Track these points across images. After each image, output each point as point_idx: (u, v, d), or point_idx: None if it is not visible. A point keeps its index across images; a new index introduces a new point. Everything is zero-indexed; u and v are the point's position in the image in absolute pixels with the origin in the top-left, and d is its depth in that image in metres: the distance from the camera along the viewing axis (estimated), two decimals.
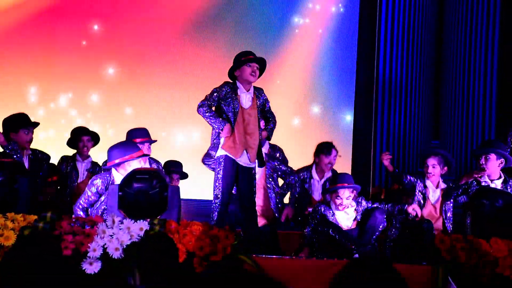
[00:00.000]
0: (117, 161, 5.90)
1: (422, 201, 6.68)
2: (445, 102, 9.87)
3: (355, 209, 6.44)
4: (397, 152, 9.88)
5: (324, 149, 7.14)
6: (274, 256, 5.75)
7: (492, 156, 6.42)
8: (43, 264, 4.51)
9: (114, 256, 4.58)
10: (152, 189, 4.91)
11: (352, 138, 9.77)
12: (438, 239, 5.15)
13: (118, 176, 5.91)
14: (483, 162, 6.47)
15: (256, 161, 6.28)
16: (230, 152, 6.15)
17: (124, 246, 4.60)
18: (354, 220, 6.45)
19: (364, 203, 6.44)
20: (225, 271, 4.63)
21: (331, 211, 6.40)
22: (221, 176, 6.14)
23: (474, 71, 9.29)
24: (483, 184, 6.42)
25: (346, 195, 6.33)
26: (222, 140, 6.18)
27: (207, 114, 6.12)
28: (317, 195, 7.27)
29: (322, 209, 6.40)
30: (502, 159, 6.44)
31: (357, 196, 6.48)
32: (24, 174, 6.23)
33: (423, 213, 6.64)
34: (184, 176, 7.68)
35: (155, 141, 6.72)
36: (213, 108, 6.22)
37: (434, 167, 6.68)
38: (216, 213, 6.11)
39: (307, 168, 7.54)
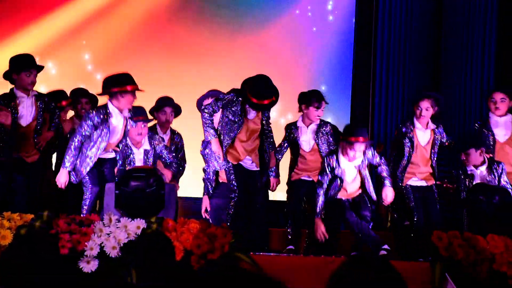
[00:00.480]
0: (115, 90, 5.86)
1: (410, 149, 6.69)
2: (443, 105, 9.90)
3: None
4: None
5: (315, 103, 6.75)
6: (272, 254, 5.76)
7: (471, 151, 6.60)
8: (40, 263, 4.50)
9: (111, 254, 4.57)
10: (149, 187, 4.90)
11: None
12: (435, 236, 5.15)
13: (112, 108, 5.88)
14: (464, 158, 6.64)
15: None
16: (233, 159, 6.21)
17: (121, 245, 4.60)
18: (357, 169, 6.42)
19: (370, 154, 6.43)
20: (223, 269, 4.63)
21: (337, 163, 6.38)
22: (235, 183, 6.22)
23: (471, 72, 9.29)
24: (469, 172, 6.62)
25: (361, 149, 6.33)
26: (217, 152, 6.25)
27: (207, 120, 6.16)
28: (305, 145, 6.91)
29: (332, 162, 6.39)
30: (482, 148, 6.63)
31: None
32: (23, 173, 6.24)
33: (414, 159, 6.66)
34: (178, 110, 7.14)
35: (150, 120, 6.67)
36: (214, 115, 6.25)
37: (428, 110, 6.71)
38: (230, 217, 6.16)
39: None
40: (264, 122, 6.39)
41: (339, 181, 6.34)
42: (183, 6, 9.73)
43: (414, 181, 6.72)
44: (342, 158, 6.36)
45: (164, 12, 9.67)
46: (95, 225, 4.66)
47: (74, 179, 5.82)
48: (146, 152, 6.45)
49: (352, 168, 6.41)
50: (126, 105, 5.91)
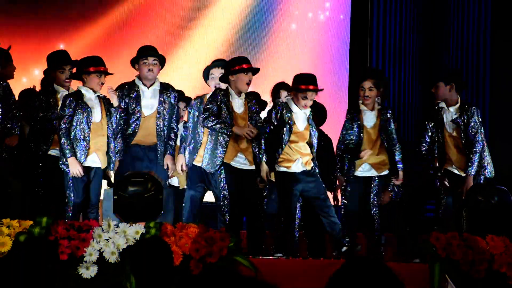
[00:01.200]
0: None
1: (358, 136, 6.55)
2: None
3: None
4: None
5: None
6: (271, 257, 5.76)
7: (441, 84, 6.46)
8: (40, 270, 4.50)
9: (110, 260, 4.58)
10: (147, 192, 4.91)
11: None
12: (433, 237, 5.16)
13: (84, 88, 6.07)
14: (434, 91, 6.49)
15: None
16: (224, 158, 6.15)
17: (121, 250, 4.61)
18: (307, 121, 6.39)
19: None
20: (221, 273, 4.64)
21: (289, 110, 6.34)
22: (223, 184, 6.15)
23: (467, 70, 9.30)
24: (439, 106, 6.45)
25: (313, 97, 6.31)
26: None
27: (215, 125, 6.12)
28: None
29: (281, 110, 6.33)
30: (452, 84, 6.45)
31: None
32: (18, 178, 6.23)
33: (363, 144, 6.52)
34: (162, 60, 6.79)
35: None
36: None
37: (371, 90, 6.55)
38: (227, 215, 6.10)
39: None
40: (253, 117, 6.31)
41: (288, 127, 6.28)
42: (197, 10, 9.80)
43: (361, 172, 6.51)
44: (293, 106, 6.33)
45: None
46: (94, 230, 4.67)
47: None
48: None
49: (303, 115, 6.38)
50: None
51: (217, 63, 6.77)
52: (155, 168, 6.34)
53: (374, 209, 6.40)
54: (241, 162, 6.19)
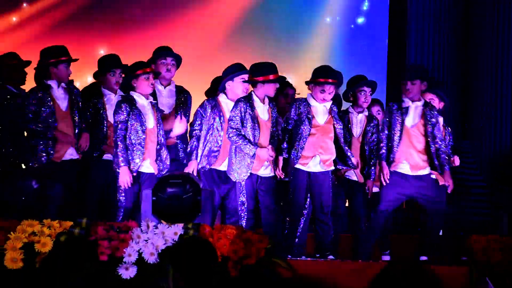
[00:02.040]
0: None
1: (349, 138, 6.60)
2: (475, 101, 9.75)
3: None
4: None
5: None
6: (309, 259, 5.75)
7: (417, 82, 6.53)
8: (80, 270, 4.55)
9: (149, 261, 4.60)
10: (186, 194, 4.93)
11: None
12: (472, 240, 5.12)
13: (136, 94, 6.13)
14: (409, 88, 6.51)
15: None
16: (253, 170, 6.21)
17: (159, 251, 4.63)
18: (328, 114, 6.37)
19: (335, 108, 6.43)
20: (259, 275, 4.65)
21: (309, 105, 6.34)
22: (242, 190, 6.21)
23: (506, 65, 9.16)
24: (403, 104, 6.49)
25: (331, 90, 6.31)
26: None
27: (240, 142, 6.15)
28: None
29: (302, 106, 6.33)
30: (425, 83, 6.69)
31: None
32: (57, 180, 6.30)
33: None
34: (179, 60, 6.91)
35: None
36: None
37: (370, 95, 6.69)
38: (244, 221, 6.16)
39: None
40: (273, 121, 6.35)
41: (307, 122, 6.29)
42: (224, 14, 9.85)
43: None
44: (312, 99, 6.34)
45: None
46: (133, 231, 4.70)
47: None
48: None
49: (323, 109, 6.37)
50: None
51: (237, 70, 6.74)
52: (175, 167, 6.43)
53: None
54: (265, 170, 6.23)
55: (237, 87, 6.39)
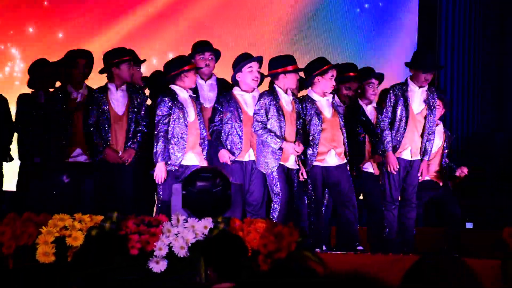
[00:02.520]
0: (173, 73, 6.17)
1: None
2: (509, 92, 9.66)
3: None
4: (455, 146, 9.68)
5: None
6: (339, 252, 5.73)
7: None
8: (111, 264, 4.57)
9: (179, 254, 4.61)
10: (215, 187, 4.93)
11: None
12: (506, 233, 5.05)
13: (177, 88, 6.19)
14: (428, 79, 6.61)
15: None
16: (282, 160, 6.22)
17: (189, 245, 4.63)
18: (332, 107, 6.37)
19: (336, 98, 6.48)
20: (290, 268, 4.63)
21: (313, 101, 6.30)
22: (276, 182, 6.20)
23: None
24: (409, 89, 6.53)
25: (333, 76, 6.36)
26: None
27: (266, 137, 6.16)
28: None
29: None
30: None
31: None
32: (90, 176, 6.35)
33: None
34: (218, 54, 6.96)
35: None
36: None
37: (377, 87, 6.67)
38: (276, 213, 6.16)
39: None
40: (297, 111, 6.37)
41: (316, 117, 6.28)
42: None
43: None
44: (314, 95, 6.35)
45: None
46: (163, 225, 4.71)
47: None
48: None
49: (327, 102, 6.35)
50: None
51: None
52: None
53: None
54: (293, 162, 6.24)
55: (246, 76, 6.41)
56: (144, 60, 6.91)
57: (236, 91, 6.45)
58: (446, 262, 1.86)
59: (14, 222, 4.72)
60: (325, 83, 6.37)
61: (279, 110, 6.16)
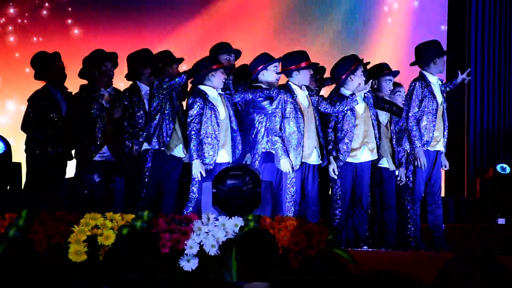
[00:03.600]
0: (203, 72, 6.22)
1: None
2: None
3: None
4: (490, 143, 9.59)
5: None
6: (370, 249, 5.71)
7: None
8: (142, 262, 4.60)
9: (210, 253, 4.62)
10: (245, 186, 4.93)
11: None
12: None
13: (206, 88, 6.24)
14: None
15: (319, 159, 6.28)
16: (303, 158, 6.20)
17: (220, 243, 4.64)
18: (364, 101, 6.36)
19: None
20: (321, 266, 4.62)
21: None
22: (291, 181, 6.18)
23: None
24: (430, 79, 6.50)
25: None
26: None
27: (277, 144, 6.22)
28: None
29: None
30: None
31: None
32: (120, 174, 6.38)
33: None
34: (238, 54, 7.00)
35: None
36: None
37: (391, 86, 6.70)
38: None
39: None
40: (315, 106, 6.34)
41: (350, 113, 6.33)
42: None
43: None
44: (345, 91, 6.40)
45: None
46: (193, 224, 4.72)
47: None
48: None
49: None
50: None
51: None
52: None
53: None
54: (315, 158, 6.21)
55: (271, 75, 6.41)
56: (182, 59, 6.91)
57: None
58: (480, 260, 1.85)
59: (47, 221, 4.77)
60: (357, 79, 6.36)
61: (296, 106, 6.15)
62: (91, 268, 4.61)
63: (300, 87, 6.28)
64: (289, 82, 6.30)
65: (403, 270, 4.97)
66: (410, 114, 6.40)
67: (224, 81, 6.35)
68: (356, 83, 6.33)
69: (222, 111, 6.26)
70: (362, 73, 6.40)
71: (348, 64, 6.39)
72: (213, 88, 6.27)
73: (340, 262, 4.74)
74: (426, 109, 6.40)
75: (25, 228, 4.75)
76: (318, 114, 6.30)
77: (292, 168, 6.06)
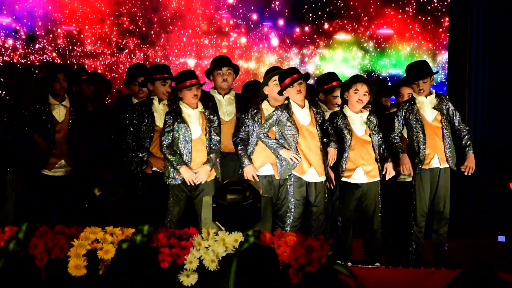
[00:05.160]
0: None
1: (350, 139, 6.43)
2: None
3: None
4: (491, 142, 9.53)
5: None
6: (370, 266, 5.69)
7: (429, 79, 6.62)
8: (142, 277, 4.58)
9: (210, 268, 4.61)
10: (246, 200, 4.93)
11: None
12: None
13: (183, 105, 6.34)
14: (423, 87, 6.57)
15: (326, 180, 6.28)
16: (297, 171, 6.19)
17: (220, 258, 4.63)
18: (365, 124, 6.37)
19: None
20: (321, 282, 4.60)
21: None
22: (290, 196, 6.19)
23: None
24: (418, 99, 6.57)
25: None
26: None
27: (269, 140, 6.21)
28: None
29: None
30: (433, 77, 6.69)
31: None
32: (120, 188, 6.38)
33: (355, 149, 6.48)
34: (236, 69, 7.03)
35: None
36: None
37: (366, 95, 6.50)
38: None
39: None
40: (319, 123, 6.31)
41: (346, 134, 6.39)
42: None
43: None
44: (347, 110, 6.48)
45: None
46: (193, 238, 4.71)
47: None
48: None
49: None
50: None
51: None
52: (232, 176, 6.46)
53: None
54: (311, 174, 6.20)
55: (272, 90, 6.39)
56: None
57: (264, 104, 6.45)
58: (484, 277, 1.84)
59: (46, 235, 4.76)
60: (351, 98, 6.38)
61: (292, 123, 6.13)
62: (90, 283, 4.59)
63: (301, 105, 6.22)
64: (290, 100, 6.29)
65: (403, 287, 4.96)
66: (393, 135, 6.54)
67: (195, 97, 6.34)
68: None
69: (196, 130, 6.41)
70: (357, 91, 6.40)
71: (347, 84, 6.49)
72: (187, 104, 6.45)
73: (341, 279, 4.73)
74: (413, 128, 6.49)
75: (25, 242, 4.74)
76: (320, 130, 6.27)
77: (295, 156, 6.08)
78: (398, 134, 6.57)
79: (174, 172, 6.27)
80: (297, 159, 6.11)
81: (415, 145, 6.49)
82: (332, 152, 6.23)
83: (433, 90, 6.68)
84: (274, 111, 6.24)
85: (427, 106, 6.54)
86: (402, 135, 6.65)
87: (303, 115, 6.23)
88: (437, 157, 6.48)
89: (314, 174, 6.21)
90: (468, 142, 6.56)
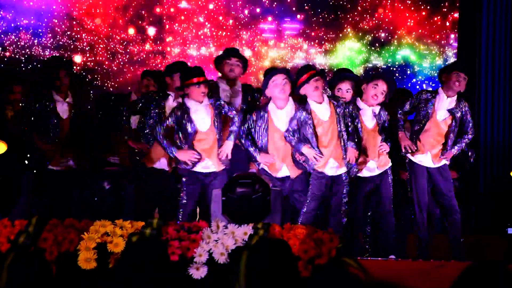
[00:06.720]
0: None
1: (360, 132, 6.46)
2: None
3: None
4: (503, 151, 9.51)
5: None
6: (379, 259, 5.67)
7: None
8: (152, 270, 4.59)
9: (219, 261, 4.61)
10: (255, 194, 4.93)
11: None
12: None
13: (190, 102, 6.28)
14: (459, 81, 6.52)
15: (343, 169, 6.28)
16: (319, 167, 6.19)
17: (229, 251, 4.63)
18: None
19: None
20: (331, 274, 4.60)
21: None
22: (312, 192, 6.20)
23: None
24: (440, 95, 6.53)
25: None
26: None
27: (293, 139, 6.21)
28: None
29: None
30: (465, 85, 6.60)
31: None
32: (131, 181, 6.39)
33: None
34: (245, 62, 6.97)
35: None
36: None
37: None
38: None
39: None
40: (340, 116, 6.30)
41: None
42: None
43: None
44: (361, 103, 6.46)
45: None
46: (203, 231, 4.71)
47: None
48: None
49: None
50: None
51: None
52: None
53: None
54: (331, 167, 6.20)
55: (273, 91, 6.33)
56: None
57: (270, 106, 6.41)
58: (495, 269, 1.83)
59: (56, 228, 4.77)
60: (368, 91, 6.36)
61: (312, 120, 6.12)
62: (100, 276, 4.61)
63: (319, 100, 6.21)
64: (308, 100, 6.27)
65: (413, 279, 4.94)
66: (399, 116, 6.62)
67: (203, 94, 6.30)
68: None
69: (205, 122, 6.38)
70: (376, 86, 6.39)
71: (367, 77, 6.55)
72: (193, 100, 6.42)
73: (351, 271, 4.72)
74: (420, 117, 6.52)
75: (34, 235, 4.75)
76: (343, 123, 6.25)
77: (318, 154, 6.09)
78: (404, 113, 6.60)
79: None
80: (319, 157, 6.13)
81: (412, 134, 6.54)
82: (351, 151, 6.22)
83: (456, 95, 6.61)
84: (295, 113, 6.22)
85: (442, 105, 6.50)
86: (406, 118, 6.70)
87: (322, 109, 6.21)
88: (429, 155, 6.50)
89: (334, 167, 6.22)
90: (461, 143, 6.56)
